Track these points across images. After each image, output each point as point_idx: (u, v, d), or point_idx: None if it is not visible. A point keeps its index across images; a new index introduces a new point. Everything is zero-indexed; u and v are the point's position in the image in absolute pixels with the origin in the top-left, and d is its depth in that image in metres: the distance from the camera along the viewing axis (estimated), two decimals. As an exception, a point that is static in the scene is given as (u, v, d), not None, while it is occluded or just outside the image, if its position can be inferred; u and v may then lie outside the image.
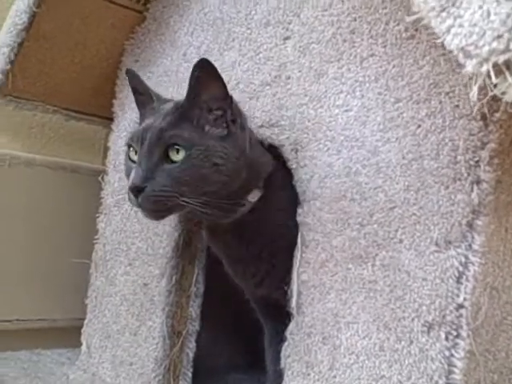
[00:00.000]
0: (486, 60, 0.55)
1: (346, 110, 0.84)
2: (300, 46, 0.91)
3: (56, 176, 1.34)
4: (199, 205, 0.81)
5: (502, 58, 0.54)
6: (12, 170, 1.28)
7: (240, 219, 0.90)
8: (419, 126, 0.76)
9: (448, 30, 0.57)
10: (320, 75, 0.88)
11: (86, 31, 1.16)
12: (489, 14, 0.56)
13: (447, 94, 0.73)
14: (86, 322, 1.23)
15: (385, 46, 0.80)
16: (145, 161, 0.82)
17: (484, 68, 0.56)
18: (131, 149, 0.86)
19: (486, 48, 0.55)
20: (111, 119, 1.26)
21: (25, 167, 1.30)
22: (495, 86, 0.56)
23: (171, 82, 1.11)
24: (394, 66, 0.79)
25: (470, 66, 0.57)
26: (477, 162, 0.71)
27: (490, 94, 0.57)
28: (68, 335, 1.30)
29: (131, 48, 1.21)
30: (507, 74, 0.55)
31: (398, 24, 0.79)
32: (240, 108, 0.90)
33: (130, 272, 1.15)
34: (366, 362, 0.79)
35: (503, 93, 0.56)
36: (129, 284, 1.14)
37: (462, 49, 0.58)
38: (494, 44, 0.55)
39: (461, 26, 0.58)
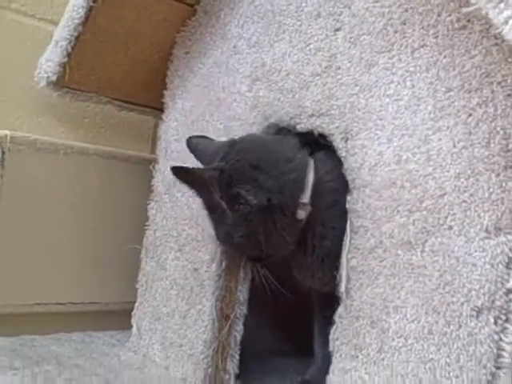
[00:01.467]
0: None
1: (397, 100, 0.86)
2: (351, 37, 0.92)
3: (107, 165, 1.38)
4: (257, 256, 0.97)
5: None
6: (66, 159, 1.33)
7: (301, 232, 0.96)
8: (470, 115, 0.77)
9: (506, 21, 0.58)
10: (370, 65, 0.89)
11: (140, 25, 1.19)
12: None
13: (499, 83, 0.74)
14: (136, 305, 1.27)
15: (436, 37, 0.81)
16: None
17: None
18: None
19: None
20: (161, 109, 1.29)
21: (78, 156, 1.35)
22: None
23: (221, 73, 1.14)
24: (445, 56, 0.80)
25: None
26: (529, 150, 0.72)
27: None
28: (118, 318, 1.34)
29: (182, 40, 1.25)
30: None
31: (450, 15, 0.80)
32: (228, 171, 0.91)
33: (180, 257, 1.18)
34: (415, 345, 0.81)
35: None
36: (179, 269, 1.18)
37: (520, 39, 0.59)
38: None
39: (519, 16, 0.59)
